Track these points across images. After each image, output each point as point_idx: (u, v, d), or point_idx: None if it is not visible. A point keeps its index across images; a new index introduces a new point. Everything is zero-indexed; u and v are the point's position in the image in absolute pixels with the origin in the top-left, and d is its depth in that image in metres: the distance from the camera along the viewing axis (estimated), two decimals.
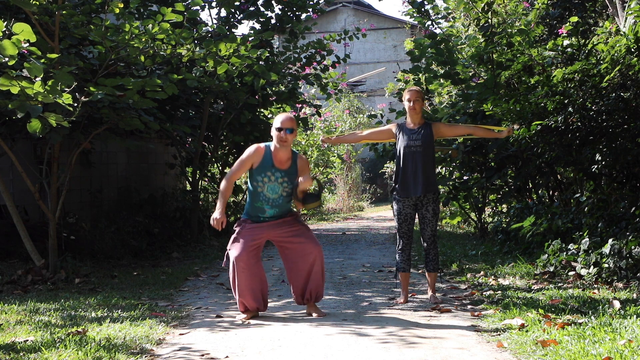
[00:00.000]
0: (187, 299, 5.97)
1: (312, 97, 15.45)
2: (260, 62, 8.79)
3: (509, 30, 8.85)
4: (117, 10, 6.27)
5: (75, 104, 5.19)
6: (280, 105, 11.30)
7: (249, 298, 5.01)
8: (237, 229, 5.10)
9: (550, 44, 8.07)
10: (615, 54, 6.67)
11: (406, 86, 9.68)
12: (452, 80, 9.42)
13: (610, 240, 6.07)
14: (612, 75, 6.64)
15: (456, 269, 7.37)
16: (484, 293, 5.77)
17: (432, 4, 9.48)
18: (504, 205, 10.27)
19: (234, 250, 5.01)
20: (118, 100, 6.42)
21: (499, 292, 5.78)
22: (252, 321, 4.96)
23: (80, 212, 9.11)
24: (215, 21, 10.48)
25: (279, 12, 10.45)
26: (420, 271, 7.26)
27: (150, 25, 6.27)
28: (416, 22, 9.93)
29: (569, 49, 7.72)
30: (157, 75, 7.24)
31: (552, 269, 6.56)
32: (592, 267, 6.16)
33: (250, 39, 8.21)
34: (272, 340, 4.32)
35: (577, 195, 7.88)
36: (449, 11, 10.09)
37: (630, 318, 4.34)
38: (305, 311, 5.20)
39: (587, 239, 6.45)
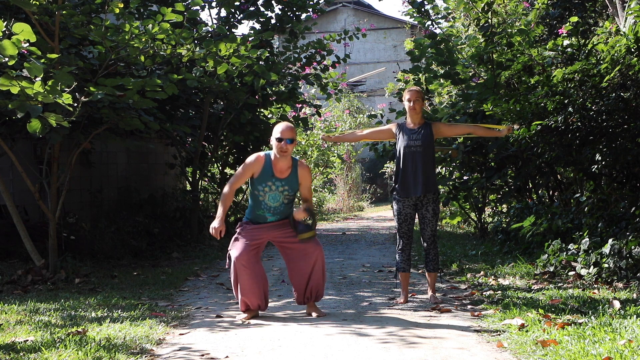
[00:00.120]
0: (187, 299, 5.97)
1: (312, 97, 15.45)
2: (260, 62, 8.79)
3: (509, 30, 8.85)
4: (117, 10, 6.27)
5: (75, 104, 5.19)
6: (280, 105, 11.30)
7: (251, 296, 5.01)
8: (238, 230, 5.13)
9: (550, 44, 8.07)
10: (615, 54, 6.68)
11: (406, 86, 9.68)
12: (452, 80, 9.42)
13: (610, 240, 6.07)
14: (612, 75, 6.64)
15: (456, 269, 7.37)
16: (484, 293, 5.77)
17: (432, 4, 9.48)
18: (504, 205, 10.27)
19: (234, 250, 5.02)
20: (118, 100, 6.42)
21: (499, 292, 5.78)
22: (252, 321, 4.97)
23: (80, 212, 9.11)
24: (215, 21, 10.48)
25: (279, 12, 10.45)
26: (420, 271, 7.26)
27: (150, 25, 6.26)
28: (416, 22, 9.93)
29: (569, 49, 7.72)
30: (157, 75, 7.24)
31: (552, 269, 6.56)
32: (592, 267, 6.16)
33: (250, 39, 8.20)
34: (272, 340, 4.32)
35: (577, 195, 7.88)
36: (449, 11, 10.09)
37: (630, 318, 4.34)
38: (305, 311, 5.20)
39: (587, 239, 6.45)
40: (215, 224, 4.97)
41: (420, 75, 9.74)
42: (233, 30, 10.01)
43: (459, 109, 9.33)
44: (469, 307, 5.30)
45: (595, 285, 5.88)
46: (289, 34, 10.62)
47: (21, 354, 3.86)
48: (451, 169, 10.26)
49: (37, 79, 4.40)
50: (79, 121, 7.00)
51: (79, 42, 6.94)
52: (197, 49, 6.92)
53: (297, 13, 10.51)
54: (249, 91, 9.76)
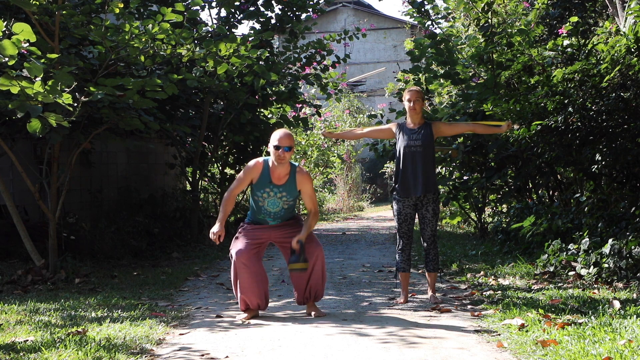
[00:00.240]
0: (187, 299, 5.97)
1: (312, 97, 15.45)
2: (260, 62, 8.79)
3: (509, 30, 8.85)
4: (117, 10, 6.27)
5: (75, 104, 5.19)
6: (280, 105, 11.30)
7: (251, 294, 5.01)
8: (239, 230, 5.17)
9: (550, 44, 8.07)
10: (615, 54, 6.68)
11: (406, 86, 9.68)
12: (452, 80, 9.42)
13: (610, 240, 6.07)
14: (612, 75, 6.64)
15: (456, 269, 7.37)
16: (484, 293, 5.77)
17: (432, 4, 9.48)
18: (504, 205, 10.27)
19: (235, 248, 5.04)
20: (118, 100, 6.42)
21: (499, 292, 5.78)
22: (252, 321, 4.97)
23: (80, 212, 9.11)
24: (215, 21, 10.49)
25: (279, 12, 10.45)
26: (420, 271, 7.25)
27: (150, 25, 6.26)
28: (416, 22, 9.93)
29: (569, 49, 7.73)
30: (157, 75, 7.24)
31: (552, 269, 6.56)
32: (592, 267, 6.16)
33: (250, 39, 8.20)
34: (272, 340, 4.32)
35: (577, 195, 7.88)
36: (449, 11, 10.09)
37: (630, 318, 4.34)
38: (305, 311, 5.20)
39: (587, 239, 6.45)
40: (215, 228, 4.98)
41: (420, 75, 9.74)
42: (233, 30, 10.01)
43: (459, 109, 9.33)
44: (469, 307, 5.30)
45: (595, 285, 5.88)
46: (289, 34, 10.62)
47: (21, 354, 3.86)
48: (451, 169, 10.26)
49: (37, 79, 4.40)
50: (79, 121, 7.00)
51: (79, 42, 6.94)
52: (197, 49, 6.92)
53: (297, 13, 10.51)
54: (249, 91, 9.76)
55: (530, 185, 9.44)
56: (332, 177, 19.24)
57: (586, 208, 7.42)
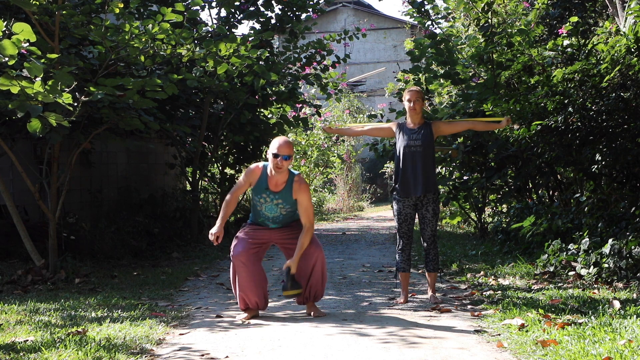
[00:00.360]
0: (187, 299, 5.97)
1: (312, 97, 15.46)
2: (260, 62, 8.79)
3: (509, 30, 8.85)
4: (117, 10, 6.26)
5: (75, 104, 5.19)
6: (280, 105, 11.30)
7: (249, 292, 5.02)
8: (240, 230, 5.19)
9: (550, 44, 8.07)
10: (615, 54, 6.68)
11: (406, 86, 9.68)
12: (452, 80, 9.42)
13: (610, 240, 6.07)
14: (612, 75, 6.64)
15: (456, 269, 7.37)
16: (484, 293, 5.77)
17: (432, 4, 9.48)
18: (504, 205, 10.27)
19: (234, 248, 5.06)
20: (118, 100, 6.42)
21: (499, 292, 5.78)
22: (252, 321, 4.97)
23: (80, 212, 9.11)
24: (215, 21, 10.49)
25: (279, 12, 10.45)
26: (420, 271, 7.25)
27: (150, 25, 6.26)
28: (416, 22, 9.92)
29: (569, 49, 7.73)
30: (157, 75, 7.24)
31: (552, 269, 6.56)
32: (592, 267, 6.16)
33: (250, 39, 8.20)
34: (272, 340, 4.32)
35: (577, 195, 7.88)
36: (449, 11, 10.09)
37: (630, 318, 4.34)
38: (305, 311, 5.20)
39: (587, 239, 6.45)
40: (213, 229, 5.01)
41: (420, 75, 9.74)
42: (233, 30, 10.01)
43: (459, 109, 9.33)
44: (469, 307, 5.30)
45: (595, 285, 5.88)
46: (289, 34, 10.62)
47: (21, 354, 3.86)
48: (451, 169, 10.26)
49: (37, 78, 4.40)
50: (79, 121, 7.00)
51: (79, 42, 6.94)
52: (197, 49, 6.92)
53: (297, 13, 10.51)
54: (249, 91, 9.76)
55: (530, 185, 9.44)
56: (332, 177, 19.24)
57: (586, 208, 7.42)
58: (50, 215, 6.92)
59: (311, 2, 10.54)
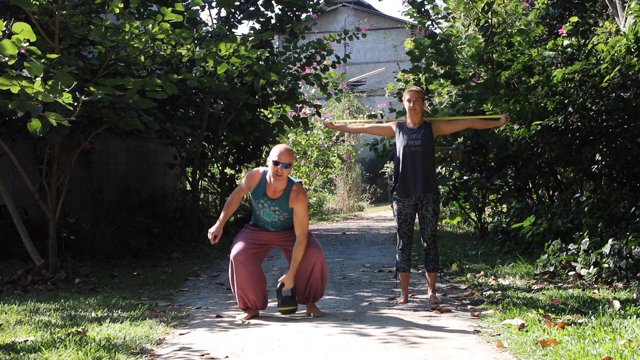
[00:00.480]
0: (187, 299, 5.97)
1: (312, 97, 15.46)
2: (260, 62, 8.79)
3: (509, 30, 8.85)
4: (117, 10, 6.26)
5: (75, 104, 5.19)
6: (280, 105, 11.31)
7: (248, 290, 5.02)
8: (241, 230, 5.21)
9: (550, 44, 8.07)
10: (615, 54, 6.68)
11: (406, 86, 9.68)
12: (452, 80, 9.42)
13: (610, 240, 6.07)
14: (612, 75, 6.65)
15: (456, 269, 7.36)
16: (484, 293, 5.77)
17: (432, 4, 9.48)
18: (504, 205, 10.27)
19: (234, 248, 5.07)
20: (118, 100, 6.42)
21: (499, 292, 5.78)
22: (252, 321, 4.97)
23: (80, 212, 9.11)
24: (215, 21, 10.49)
25: (279, 12, 10.45)
26: (420, 271, 7.25)
27: (150, 25, 6.26)
28: (416, 22, 9.93)
29: (569, 49, 7.73)
30: (157, 75, 7.24)
31: (552, 269, 6.56)
32: (592, 267, 6.16)
33: (250, 39, 8.20)
34: (272, 340, 4.32)
35: (577, 195, 7.88)
36: (449, 11, 10.09)
37: (630, 318, 4.34)
38: (305, 311, 5.20)
39: (587, 239, 6.45)
40: (213, 228, 5.04)
41: (420, 75, 9.74)
42: (233, 30, 10.01)
43: (459, 109, 9.33)
44: (469, 307, 5.30)
45: (595, 285, 5.88)
46: (289, 34, 10.62)
47: (21, 354, 3.86)
48: (451, 169, 10.26)
49: (37, 78, 4.40)
50: (79, 121, 7.00)
51: (79, 42, 6.94)
52: (197, 49, 6.92)
53: (297, 13, 10.51)
54: (249, 91, 9.76)
55: (530, 185, 9.44)
56: (332, 177, 19.24)
57: (586, 208, 7.42)
58: (50, 215, 6.92)
59: (311, 2, 10.54)
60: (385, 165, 18.56)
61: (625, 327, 4.11)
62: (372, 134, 6.11)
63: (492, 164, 9.43)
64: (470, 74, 9.46)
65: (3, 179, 7.04)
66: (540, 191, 9.50)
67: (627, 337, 3.84)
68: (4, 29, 4.14)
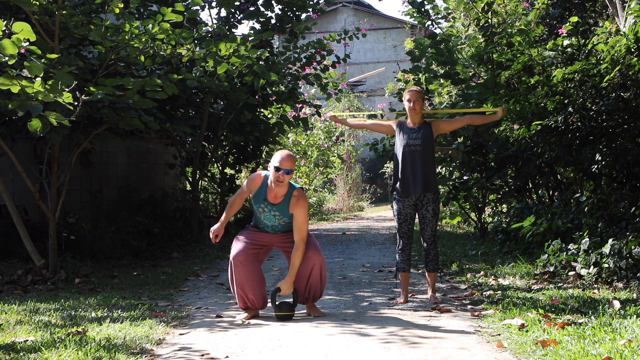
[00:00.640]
0: (187, 299, 5.97)
1: (312, 97, 15.45)
2: (260, 62, 8.79)
3: (509, 30, 8.85)
4: (117, 10, 6.27)
5: (76, 104, 5.19)
6: (280, 105, 11.31)
7: (248, 291, 5.02)
8: (242, 231, 5.22)
9: (550, 44, 8.07)
10: (615, 54, 6.68)
11: (406, 86, 9.68)
12: (452, 80, 9.42)
13: (610, 240, 6.07)
14: (612, 75, 6.65)
15: (456, 269, 7.36)
16: (484, 293, 5.77)
17: (432, 4, 9.48)
18: (504, 205, 10.27)
19: (233, 248, 5.08)
20: (118, 100, 6.42)
21: (499, 292, 5.78)
22: (252, 321, 4.97)
23: (80, 212, 9.11)
24: (215, 21, 10.49)
25: (279, 12, 10.45)
26: (420, 271, 7.25)
27: (150, 25, 6.26)
28: (416, 22, 9.92)
29: (569, 49, 7.73)
30: (157, 75, 7.24)
31: (552, 269, 6.56)
32: (592, 267, 6.16)
33: (250, 39, 8.20)
34: (272, 340, 4.32)
35: (577, 195, 7.88)
36: (449, 11, 10.09)
37: (630, 318, 4.34)
38: (305, 311, 5.20)
39: (587, 239, 6.45)
40: (214, 227, 5.08)
41: (420, 75, 9.74)
42: (233, 30, 10.01)
43: (459, 109, 9.33)
44: (469, 307, 5.30)
45: (595, 285, 5.88)
46: (289, 34, 10.62)
47: (21, 354, 3.86)
48: (451, 169, 10.27)
49: (37, 78, 4.40)
50: (79, 121, 7.00)
51: (79, 42, 6.94)
52: (197, 49, 6.92)
53: (297, 13, 10.51)
54: (249, 91, 9.76)
55: (530, 185, 9.44)
56: (332, 177, 19.24)
57: (586, 208, 7.42)
58: (50, 215, 6.92)
59: (311, 2, 10.55)
60: (385, 165, 18.56)
61: (625, 327, 4.11)
62: (372, 130, 6.13)
63: (492, 164, 9.43)
64: (470, 74, 9.46)
65: (3, 179, 7.04)
66: (540, 191, 9.50)
67: (627, 337, 3.84)
68: (4, 28, 4.14)
